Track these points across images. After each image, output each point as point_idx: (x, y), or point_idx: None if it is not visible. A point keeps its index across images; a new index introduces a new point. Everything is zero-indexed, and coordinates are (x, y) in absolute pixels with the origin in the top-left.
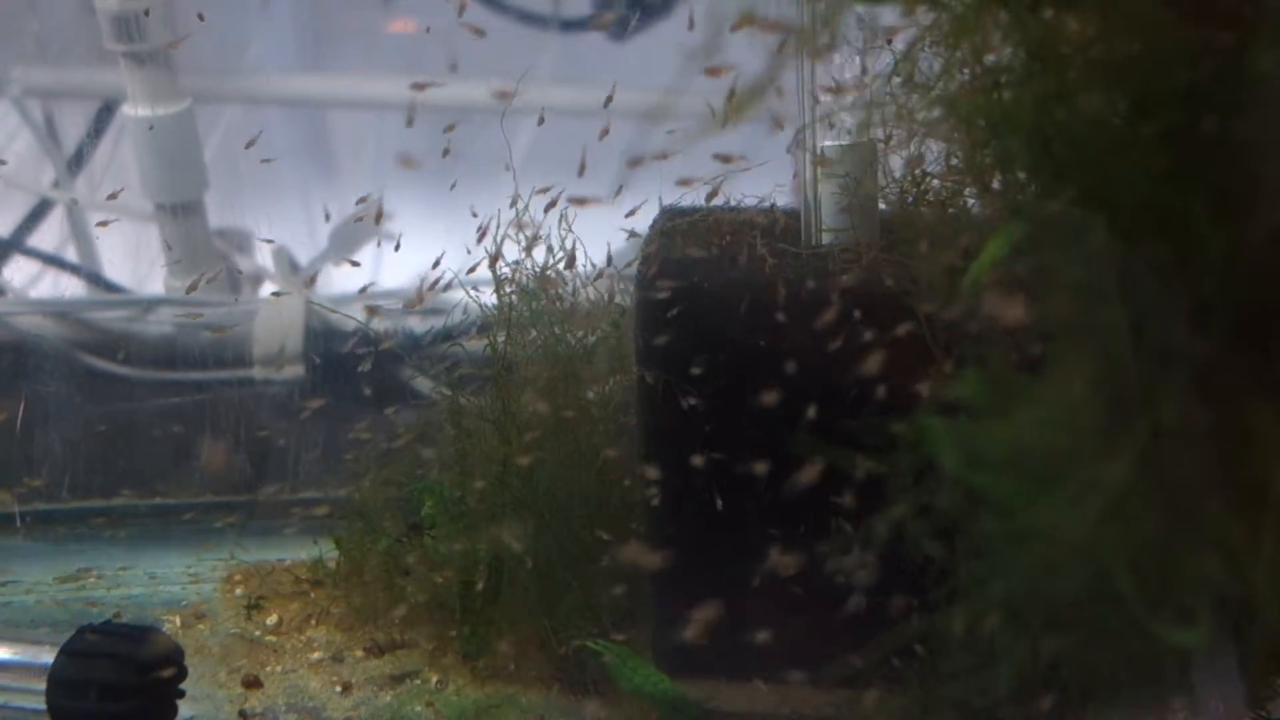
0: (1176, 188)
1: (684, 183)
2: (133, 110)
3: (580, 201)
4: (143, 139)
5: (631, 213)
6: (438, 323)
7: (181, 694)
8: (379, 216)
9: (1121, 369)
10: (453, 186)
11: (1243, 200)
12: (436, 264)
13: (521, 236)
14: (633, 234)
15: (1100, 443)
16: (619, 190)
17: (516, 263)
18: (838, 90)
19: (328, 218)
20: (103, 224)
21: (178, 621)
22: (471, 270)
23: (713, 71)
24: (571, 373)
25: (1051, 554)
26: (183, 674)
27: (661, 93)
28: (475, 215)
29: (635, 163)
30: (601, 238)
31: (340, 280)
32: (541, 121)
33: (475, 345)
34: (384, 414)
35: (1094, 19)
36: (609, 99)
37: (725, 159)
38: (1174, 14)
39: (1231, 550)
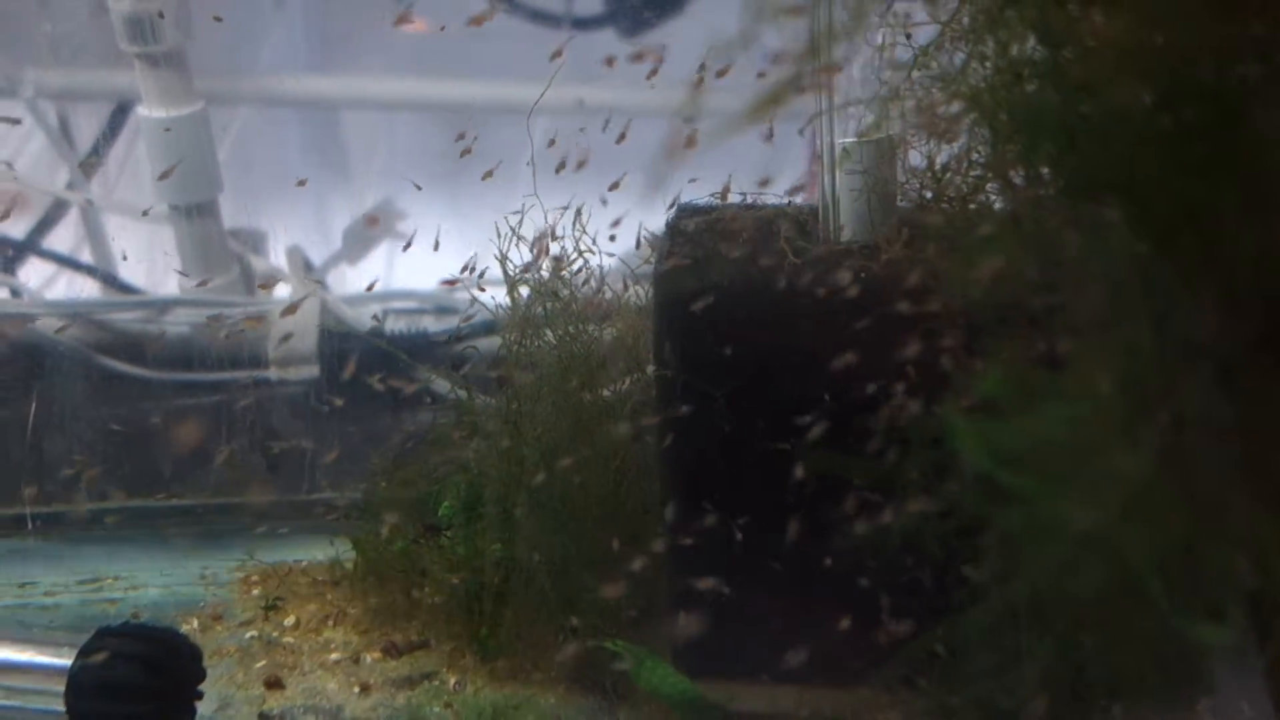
0: (1205, 181)
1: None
2: (147, 111)
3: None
4: (156, 140)
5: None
6: (453, 323)
7: (200, 695)
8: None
9: (1147, 363)
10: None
11: (1273, 193)
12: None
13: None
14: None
15: (1124, 437)
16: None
17: (528, 265)
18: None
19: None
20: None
21: (195, 623)
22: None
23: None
24: (587, 372)
25: (1074, 549)
26: (201, 675)
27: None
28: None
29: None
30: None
31: (355, 280)
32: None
33: (491, 345)
34: (399, 416)
35: (1121, 10)
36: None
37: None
38: (1203, 4)
39: (1260, 547)
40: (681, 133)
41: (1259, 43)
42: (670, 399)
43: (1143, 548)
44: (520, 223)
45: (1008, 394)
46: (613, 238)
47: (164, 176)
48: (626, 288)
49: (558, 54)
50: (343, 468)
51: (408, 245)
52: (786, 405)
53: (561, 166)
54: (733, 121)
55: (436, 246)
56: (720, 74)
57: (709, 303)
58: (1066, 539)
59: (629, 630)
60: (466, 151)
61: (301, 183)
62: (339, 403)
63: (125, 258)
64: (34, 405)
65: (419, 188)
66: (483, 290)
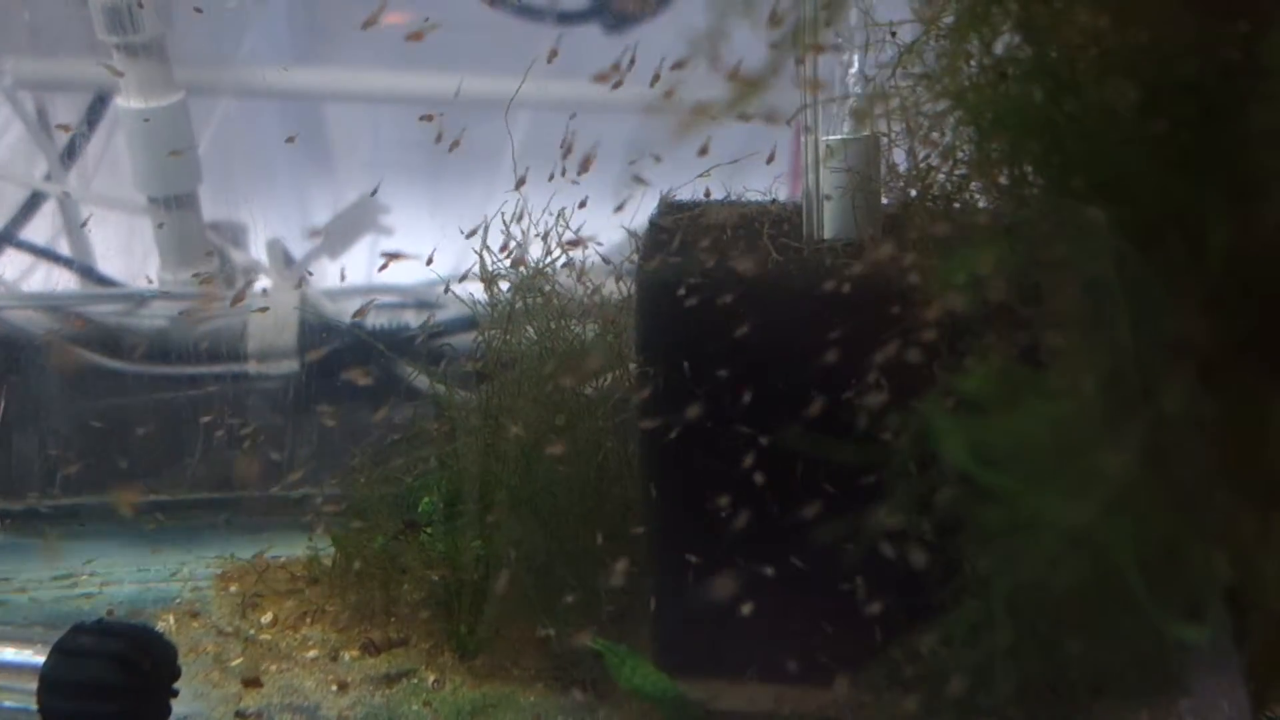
0: (1187, 179)
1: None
2: (125, 102)
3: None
4: (136, 131)
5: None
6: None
7: (175, 693)
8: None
9: (1129, 362)
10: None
11: (1254, 191)
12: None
13: (518, 232)
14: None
15: (1106, 435)
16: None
17: (509, 249)
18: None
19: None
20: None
21: (171, 619)
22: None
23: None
24: (569, 368)
25: (1055, 546)
26: (176, 673)
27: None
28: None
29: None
30: (598, 231)
31: (335, 275)
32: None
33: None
34: (377, 411)
35: (1105, 9)
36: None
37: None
38: (1186, 4)
39: (1240, 544)
40: (662, 130)
41: (1243, 40)
42: (652, 395)
43: (1125, 546)
44: (515, 216)
45: (991, 392)
46: (582, 203)
47: (175, 154)
48: (616, 283)
49: (553, 54)
50: (321, 463)
51: (383, 267)
52: (768, 402)
53: (521, 182)
54: (709, 114)
55: (469, 235)
56: (675, 68)
57: (690, 300)
58: (1049, 537)
59: (610, 628)
60: (434, 121)
61: (290, 139)
62: (331, 423)
63: (151, 281)
64: (4, 400)
65: (374, 192)
66: (485, 282)
